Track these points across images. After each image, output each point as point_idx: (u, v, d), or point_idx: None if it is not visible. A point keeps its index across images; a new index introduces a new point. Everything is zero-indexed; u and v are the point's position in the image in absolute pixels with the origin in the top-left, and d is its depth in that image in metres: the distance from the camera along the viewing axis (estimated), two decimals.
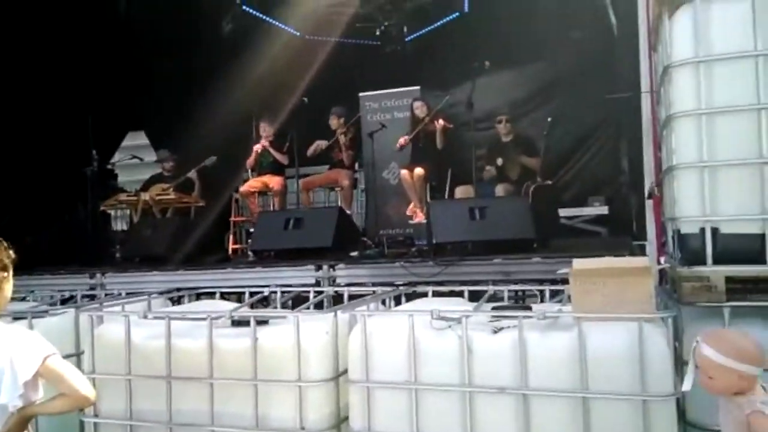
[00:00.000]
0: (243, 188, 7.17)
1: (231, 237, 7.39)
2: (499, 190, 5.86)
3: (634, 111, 6.65)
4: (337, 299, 3.91)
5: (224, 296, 4.26)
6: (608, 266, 2.37)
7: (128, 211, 7.50)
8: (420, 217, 6.50)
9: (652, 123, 3.48)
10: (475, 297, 3.39)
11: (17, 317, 3.08)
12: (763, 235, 2.33)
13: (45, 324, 3.13)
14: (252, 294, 3.75)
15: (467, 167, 6.48)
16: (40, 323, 3.11)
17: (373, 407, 2.56)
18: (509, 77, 7.92)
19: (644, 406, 2.21)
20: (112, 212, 7.99)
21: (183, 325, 2.97)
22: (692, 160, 2.42)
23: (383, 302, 3.30)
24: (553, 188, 6.17)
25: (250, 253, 5.69)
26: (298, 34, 8.23)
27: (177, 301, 4.03)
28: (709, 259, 2.38)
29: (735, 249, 2.36)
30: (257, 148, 7.11)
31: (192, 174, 7.16)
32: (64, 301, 4.55)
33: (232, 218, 7.54)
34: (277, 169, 7.14)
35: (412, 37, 8.23)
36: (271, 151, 7.04)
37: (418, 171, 6.43)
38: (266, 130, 7.17)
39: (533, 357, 2.36)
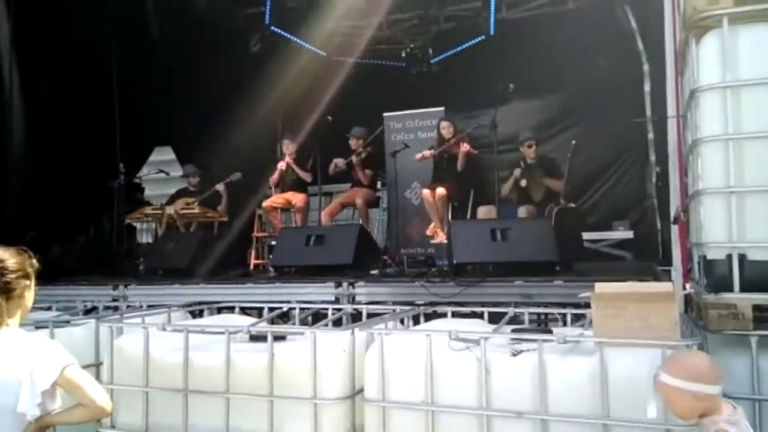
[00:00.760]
0: (266, 204, 7.22)
1: (253, 252, 7.44)
2: (522, 211, 5.82)
3: (661, 135, 6.67)
4: (356, 317, 3.90)
5: (245, 311, 4.27)
6: (631, 291, 2.33)
7: (153, 225, 7.61)
8: (441, 237, 6.47)
9: (677, 148, 3.44)
10: (495, 319, 3.36)
11: (39, 326, 3.12)
12: None
13: (66, 333, 3.17)
14: (271, 309, 3.75)
15: (489, 188, 6.45)
16: (62, 333, 3.15)
17: (388, 427, 2.54)
18: (534, 100, 7.92)
19: None
20: (138, 225, 8.12)
21: (201, 339, 2.98)
22: (719, 186, 2.38)
23: (401, 321, 3.27)
24: (577, 211, 6.10)
25: (271, 268, 5.71)
26: (324, 54, 8.33)
27: (197, 314, 4.05)
28: (736, 287, 2.32)
29: (763, 276, 2.30)
30: (281, 165, 7.17)
31: (220, 187, 7.23)
32: (87, 312, 4.61)
33: (255, 234, 7.58)
34: (300, 186, 7.19)
35: (437, 59, 8.28)
36: (295, 168, 7.09)
37: (440, 191, 6.42)
38: (290, 147, 7.23)
39: (553, 381, 2.32)
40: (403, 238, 7.53)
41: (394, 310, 3.52)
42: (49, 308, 4.37)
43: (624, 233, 7.33)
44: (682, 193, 3.38)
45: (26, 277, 2.11)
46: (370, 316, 3.53)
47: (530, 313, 3.37)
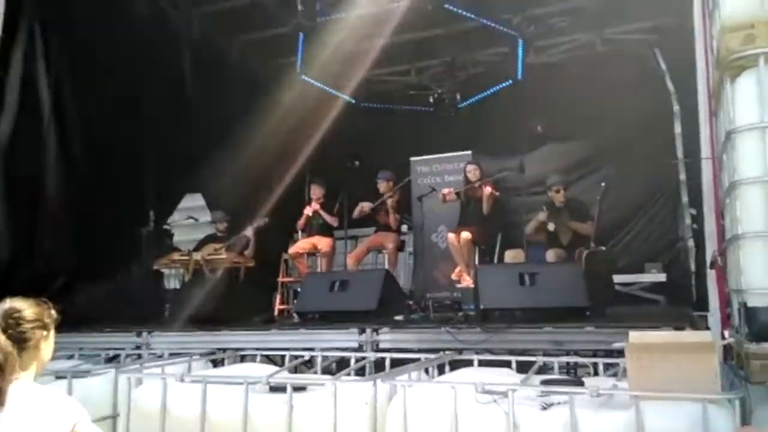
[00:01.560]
0: (292, 249, 7.20)
1: (278, 297, 7.39)
2: (550, 255, 5.67)
3: (694, 177, 6.52)
4: (379, 365, 3.78)
5: (269, 358, 4.19)
6: (668, 341, 2.20)
7: (182, 271, 7.63)
8: (467, 282, 6.35)
9: (713, 190, 3.31)
10: (523, 367, 3.22)
11: (59, 376, 3.08)
12: None
13: (85, 384, 3.12)
14: (293, 358, 3.67)
15: (517, 232, 6.34)
16: (81, 382, 3.10)
17: None
18: (562, 143, 7.86)
19: None
20: (166, 271, 8.15)
21: (221, 390, 2.91)
22: (760, 230, 2.25)
23: (426, 371, 3.16)
24: (608, 254, 5.94)
25: (294, 314, 5.64)
26: (353, 101, 8.41)
27: (219, 363, 3.98)
28: None
29: None
30: (308, 211, 7.17)
31: (249, 232, 7.23)
32: (110, 360, 4.58)
33: (281, 278, 7.55)
34: (326, 230, 7.17)
35: (465, 103, 8.28)
36: (322, 213, 7.09)
37: (465, 235, 6.33)
38: (317, 192, 7.25)
39: None
40: (429, 282, 7.42)
41: (419, 359, 3.40)
42: (71, 356, 4.35)
43: (656, 276, 7.13)
44: (718, 236, 3.24)
45: (44, 327, 2.06)
46: (394, 363, 3.42)
47: (560, 362, 3.21)
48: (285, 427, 2.63)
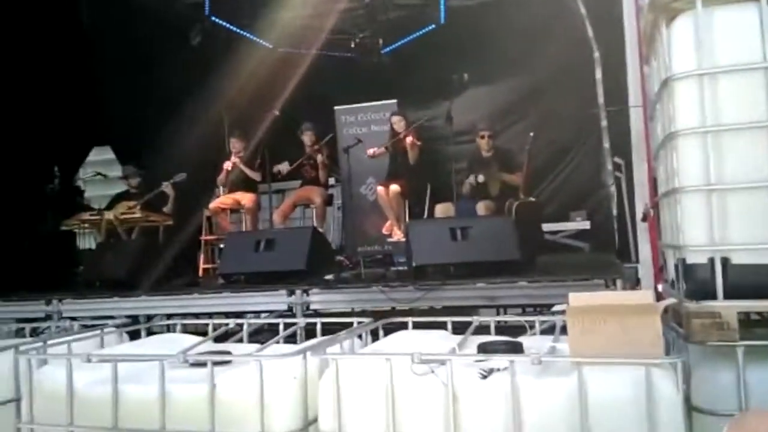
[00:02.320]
0: (213, 205, 6.88)
1: (202, 257, 7.08)
2: (480, 207, 5.63)
3: (616, 123, 6.59)
4: (310, 329, 3.62)
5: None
6: (610, 303, 2.12)
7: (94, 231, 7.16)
8: (398, 235, 6.27)
9: (645, 139, 3.26)
10: (459, 326, 3.13)
11: None
12: None
13: None
14: (216, 326, 3.43)
15: (447, 183, 6.26)
16: None
17: None
18: (488, 91, 7.77)
19: None
20: (78, 231, 7.63)
21: (135, 366, 2.66)
22: (699, 183, 2.18)
23: (359, 336, 3.01)
24: (536, 205, 5.96)
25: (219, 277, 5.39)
26: (270, 46, 7.98)
27: (135, 334, 3.69)
28: (720, 293, 2.13)
29: (748, 281, 2.12)
30: (227, 165, 6.83)
31: (167, 188, 6.83)
32: (17, 333, 4.22)
33: (203, 237, 7.21)
34: (249, 185, 6.86)
35: (388, 49, 8.04)
36: (242, 167, 6.76)
37: (394, 187, 6.21)
38: (236, 145, 6.90)
39: (527, 405, 2.09)
40: (360, 236, 7.30)
41: (351, 322, 3.24)
42: None
43: (581, 224, 7.27)
44: (650, 187, 3.21)
45: None
46: (325, 329, 3.25)
47: (496, 322, 3.14)
48: (207, 406, 2.42)
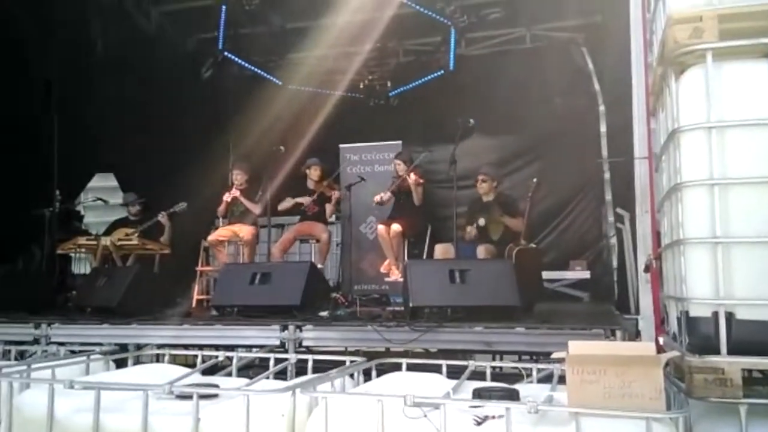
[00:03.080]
0: (212, 237, 6.83)
1: (196, 287, 6.99)
2: (481, 250, 5.59)
3: (618, 176, 6.61)
4: (301, 365, 3.54)
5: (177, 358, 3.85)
6: (610, 353, 2.06)
7: (90, 256, 7.10)
8: (396, 275, 6.22)
9: (650, 191, 3.25)
10: (454, 370, 3.06)
11: None
12: None
13: None
14: (206, 358, 3.36)
15: (448, 225, 6.24)
16: None
17: None
18: (493, 136, 7.85)
19: None
20: (73, 255, 7.57)
21: (119, 395, 2.58)
22: (705, 235, 2.15)
23: (351, 375, 2.93)
24: (537, 251, 5.92)
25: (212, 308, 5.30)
26: (279, 83, 8.07)
27: (123, 362, 3.61)
28: (724, 349, 2.08)
29: (752, 337, 2.07)
30: (227, 197, 6.82)
31: (163, 218, 6.80)
32: (5, 354, 4.14)
33: (199, 268, 7.14)
34: (248, 217, 6.84)
35: (395, 92, 8.13)
36: (242, 200, 6.75)
37: (395, 227, 6.18)
38: (239, 178, 6.89)
39: None
40: (357, 274, 7.24)
41: (344, 361, 3.17)
42: None
43: (581, 273, 7.23)
44: (653, 238, 3.18)
45: None
46: (316, 367, 3.18)
47: (492, 368, 3.07)
48: None
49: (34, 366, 2.95)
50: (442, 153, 7.11)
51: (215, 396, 2.60)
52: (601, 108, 7.56)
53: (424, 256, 6.28)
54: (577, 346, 2.16)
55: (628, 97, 3.73)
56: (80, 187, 8.70)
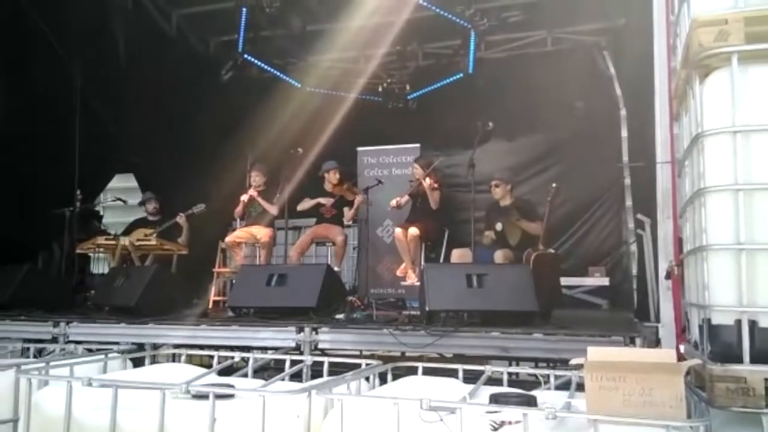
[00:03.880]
0: (229, 238, 6.86)
1: (213, 289, 7.02)
2: (499, 255, 5.54)
3: (638, 181, 6.54)
4: (317, 369, 3.53)
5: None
6: (631, 360, 2.03)
7: (109, 255, 7.17)
8: (412, 279, 6.19)
9: (672, 196, 3.20)
10: (470, 375, 3.04)
11: None
12: None
13: None
14: (222, 359, 3.37)
15: (466, 229, 6.19)
16: None
17: None
18: (512, 140, 7.80)
19: None
20: (92, 255, 7.66)
21: (135, 394, 2.59)
22: (729, 242, 2.11)
23: (366, 379, 2.92)
24: (556, 256, 5.86)
25: (228, 309, 5.32)
26: (299, 85, 8.09)
27: (139, 362, 3.64)
28: (746, 357, 2.04)
29: None
30: (244, 197, 6.84)
31: (181, 219, 6.86)
32: (23, 352, 4.19)
33: (216, 269, 7.18)
34: (266, 220, 6.85)
35: (414, 95, 8.10)
36: (260, 201, 6.76)
37: (413, 231, 6.16)
38: (257, 179, 6.91)
39: None
40: (373, 278, 7.22)
41: (359, 364, 3.16)
42: None
43: (600, 279, 7.15)
44: (675, 245, 3.13)
45: None
46: (332, 370, 3.17)
47: (509, 373, 3.04)
48: None
49: (52, 363, 2.97)
50: (460, 157, 7.09)
51: (231, 396, 2.60)
52: (623, 112, 7.48)
53: (441, 261, 6.24)
54: (596, 353, 2.13)
55: (650, 102, 3.68)
56: (101, 187, 8.81)
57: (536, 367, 4.02)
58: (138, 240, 6.62)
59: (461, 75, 7.51)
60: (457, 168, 6.91)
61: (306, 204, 6.75)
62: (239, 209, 6.96)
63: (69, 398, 2.50)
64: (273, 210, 6.76)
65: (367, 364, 3.06)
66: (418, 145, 7.55)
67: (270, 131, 7.61)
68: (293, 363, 3.30)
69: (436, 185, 6.31)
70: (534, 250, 5.25)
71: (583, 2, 7.06)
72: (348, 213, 6.68)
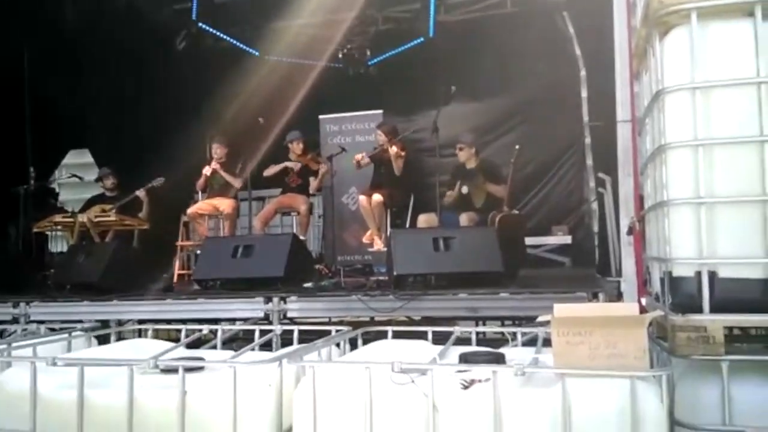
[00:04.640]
0: (191, 210, 6.76)
1: (177, 263, 6.94)
2: (464, 218, 5.59)
3: (598, 140, 6.63)
4: (287, 338, 3.53)
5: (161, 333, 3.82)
6: (595, 315, 2.07)
7: (66, 234, 7.00)
8: (379, 245, 6.21)
9: (632, 154, 3.24)
10: (440, 336, 3.07)
11: None
12: (766, 281, 2.06)
13: None
14: (190, 332, 3.33)
15: (431, 194, 6.22)
16: None
17: None
18: (475, 104, 7.80)
19: None
20: (50, 234, 7.46)
21: (103, 371, 2.55)
22: (688, 196, 2.15)
23: (337, 345, 2.93)
24: (520, 217, 5.94)
25: (194, 282, 5.26)
26: (256, 54, 7.91)
27: (105, 339, 3.58)
28: (707, 307, 2.10)
29: (735, 295, 2.09)
30: (206, 170, 6.72)
31: (141, 193, 6.71)
32: None
33: (179, 242, 7.08)
34: (228, 191, 6.76)
35: (375, 60, 8.02)
36: (222, 173, 6.66)
37: (377, 197, 6.16)
38: (218, 151, 6.79)
39: (510, 417, 2.03)
40: (340, 245, 7.22)
41: (329, 330, 3.16)
42: None
43: (562, 238, 7.29)
44: (636, 201, 3.19)
45: None
46: (302, 338, 3.17)
47: (477, 333, 3.08)
48: (177, 414, 2.32)
49: (14, 345, 2.90)
50: (424, 121, 7.08)
51: (201, 368, 2.58)
52: (582, 73, 7.53)
53: (407, 226, 6.27)
54: (562, 309, 2.16)
55: (610, 61, 3.70)
56: (55, 164, 8.55)
57: (503, 325, 4.10)
58: (96, 216, 6.47)
59: (422, 39, 7.46)
60: (421, 132, 6.90)
61: (273, 169, 6.67)
62: (201, 182, 6.86)
63: (34, 379, 2.45)
64: (236, 183, 6.68)
65: (336, 331, 3.07)
66: (380, 111, 7.50)
67: (230, 102, 7.47)
68: (263, 333, 3.29)
69: (402, 153, 6.30)
70: (499, 211, 5.31)
71: None
72: (313, 183, 6.63)
